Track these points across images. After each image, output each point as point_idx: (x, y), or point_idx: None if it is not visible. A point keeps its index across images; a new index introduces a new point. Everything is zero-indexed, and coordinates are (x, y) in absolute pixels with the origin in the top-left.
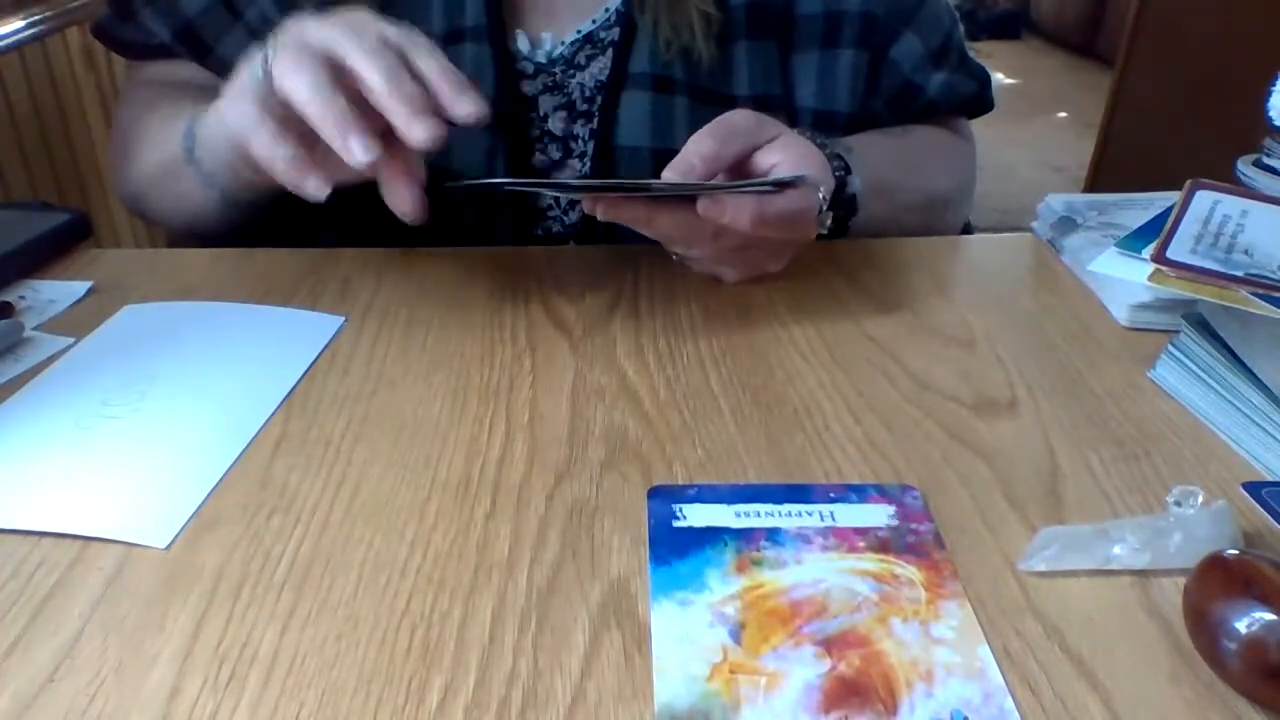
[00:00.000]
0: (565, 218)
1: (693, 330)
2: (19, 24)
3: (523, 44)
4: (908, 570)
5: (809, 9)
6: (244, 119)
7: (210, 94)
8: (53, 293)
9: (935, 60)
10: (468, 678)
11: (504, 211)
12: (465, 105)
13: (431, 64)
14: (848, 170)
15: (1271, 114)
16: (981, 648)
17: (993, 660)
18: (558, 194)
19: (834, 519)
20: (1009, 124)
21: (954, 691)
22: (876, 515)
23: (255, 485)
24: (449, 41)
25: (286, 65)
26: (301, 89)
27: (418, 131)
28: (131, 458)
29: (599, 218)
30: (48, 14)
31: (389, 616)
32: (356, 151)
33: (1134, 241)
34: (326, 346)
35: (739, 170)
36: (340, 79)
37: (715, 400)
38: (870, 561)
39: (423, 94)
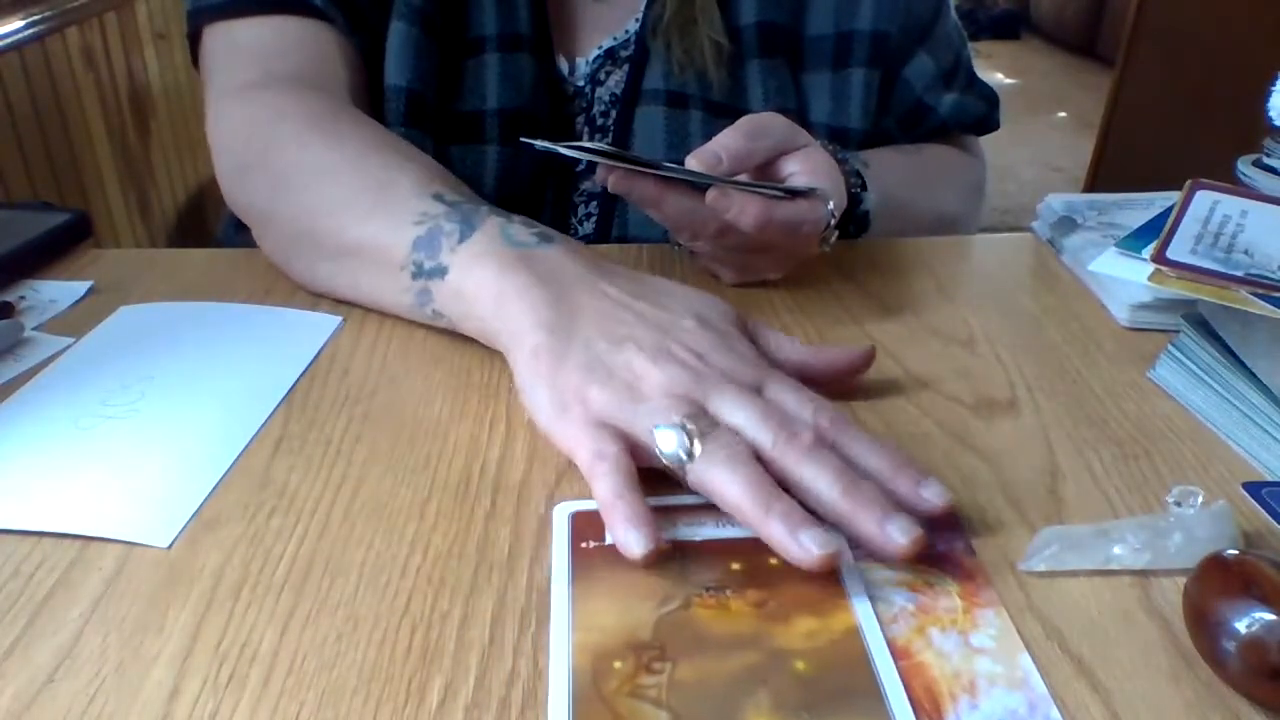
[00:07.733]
0: (581, 227)
1: None
2: (19, 24)
3: (562, 66)
4: (942, 580)
5: (819, 30)
6: (590, 460)
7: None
8: (53, 293)
9: (946, 80)
10: (468, 678)
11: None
12: (930, 492)
13: (874, 454)
14: (864, 187)
15: (1271, 114)
16: (1022, 656)
17: (1034, 669)
18: (575, 156)
19: None
20: (1009, 124)
21: (998, 702)
22: None
23: (255, 485)
24: (504, 47)
25: (723, 469)
26: (736, 491)
27: (899, 538)
28: (131, 457)
29: (609, 188)
30: (48, 14)
31: (389, 616)
32: (809, 557)
33: (1134, 241)
34: (325, 346)
35: (759, 172)
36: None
37: None
38: (901, 571)
39: (879, 493)
